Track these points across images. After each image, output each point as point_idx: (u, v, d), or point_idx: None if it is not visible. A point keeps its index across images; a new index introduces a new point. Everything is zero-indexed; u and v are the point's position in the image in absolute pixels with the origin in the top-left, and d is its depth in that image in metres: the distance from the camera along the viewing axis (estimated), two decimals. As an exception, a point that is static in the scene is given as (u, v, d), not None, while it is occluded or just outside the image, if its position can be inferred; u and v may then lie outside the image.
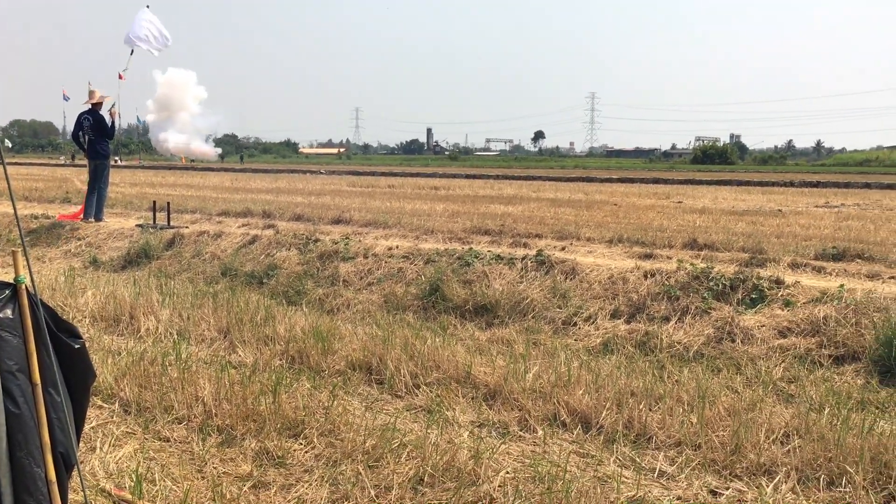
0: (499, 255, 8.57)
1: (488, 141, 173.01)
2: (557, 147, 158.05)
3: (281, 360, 5.67)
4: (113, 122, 13.12)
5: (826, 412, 4.58)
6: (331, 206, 16.28)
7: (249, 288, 8.58)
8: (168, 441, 4.18)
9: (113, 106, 13.14)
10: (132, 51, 13.68)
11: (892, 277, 7.48)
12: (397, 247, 9.37)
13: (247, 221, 12.89)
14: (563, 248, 9.55)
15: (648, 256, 8.86)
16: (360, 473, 3.68)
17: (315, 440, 4.09)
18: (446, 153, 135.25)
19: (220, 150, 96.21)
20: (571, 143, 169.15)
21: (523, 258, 8.36)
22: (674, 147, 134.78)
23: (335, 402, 4.61)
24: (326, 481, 3.66)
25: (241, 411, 4.40)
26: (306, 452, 3.99)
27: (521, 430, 4.49)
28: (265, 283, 8.83)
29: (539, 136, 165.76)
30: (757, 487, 3.75)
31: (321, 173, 44.53)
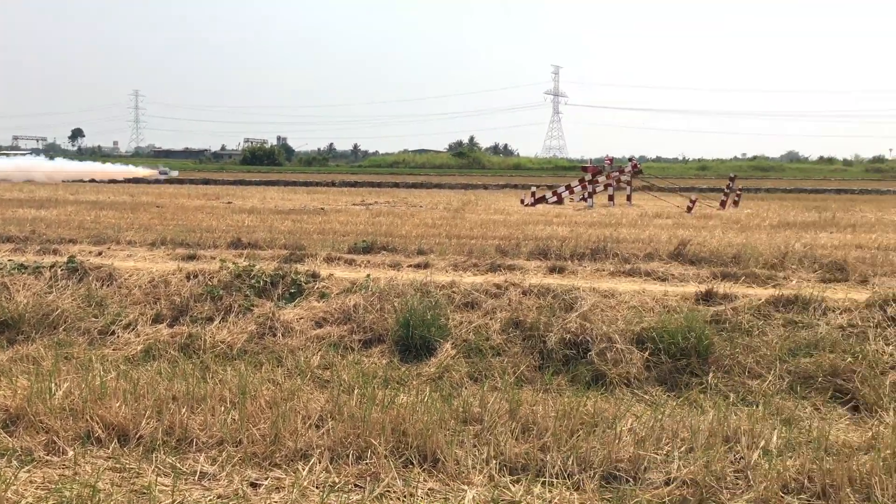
0: (22, 264, 7.71)
1: (16, 139, 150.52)
2: (100, 146, 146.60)
3: None
4: None
5: (356, 392, 5.01)
6: None
7: None
8: None
9: None
10: None
11: (410, 266, 8.49)
12: None
13: None
14: (100, 254, 8.96)
15: (192, 258, 8.75)
16: None
17: None
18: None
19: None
20: (115, 143, 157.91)
21: (52, 266, 7.63)
22: (223, 148, 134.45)
23: None
24: None
25: None
26: None
27: (47, 454, 4.11)
28: None
29: (78, 133, 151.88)
30: (294, 472, 3.96)
31: None
